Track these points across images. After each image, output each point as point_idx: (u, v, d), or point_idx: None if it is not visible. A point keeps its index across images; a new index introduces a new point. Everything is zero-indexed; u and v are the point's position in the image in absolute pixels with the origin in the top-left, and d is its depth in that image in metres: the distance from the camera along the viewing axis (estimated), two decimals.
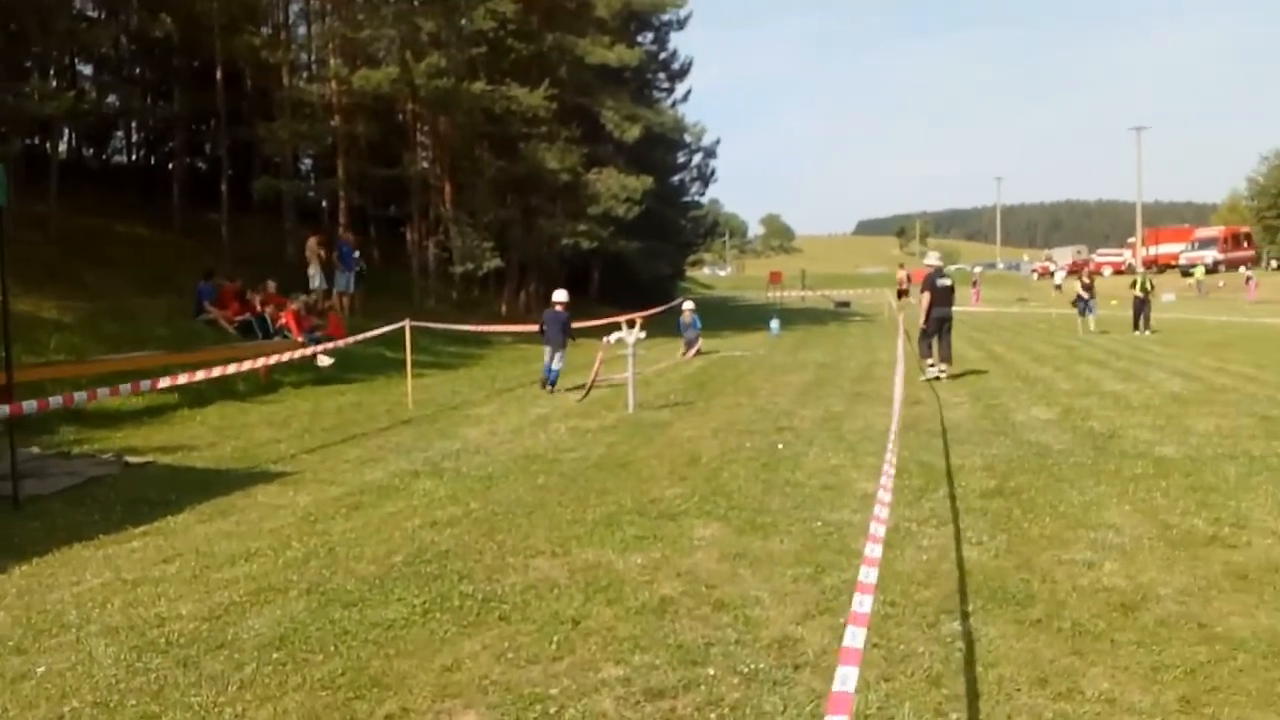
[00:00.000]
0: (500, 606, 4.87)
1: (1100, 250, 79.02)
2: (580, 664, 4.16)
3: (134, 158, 31.15)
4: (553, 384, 14.24)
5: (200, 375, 9.62)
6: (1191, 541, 5.78)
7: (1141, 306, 24.36)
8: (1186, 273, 49.69)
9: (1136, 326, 24.23)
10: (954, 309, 15.33)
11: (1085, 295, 25.49)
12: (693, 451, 9.01)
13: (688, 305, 21.74)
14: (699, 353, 20.32)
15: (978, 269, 62.57)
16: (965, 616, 4.63)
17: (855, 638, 2.56)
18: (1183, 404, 11.46)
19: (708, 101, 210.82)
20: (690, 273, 77.28)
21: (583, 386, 13.47)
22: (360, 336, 13.51)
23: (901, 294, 39.60)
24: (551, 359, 14.43)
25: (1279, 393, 12.16)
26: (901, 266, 45.53)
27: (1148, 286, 25.15)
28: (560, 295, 14.94)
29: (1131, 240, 66.55)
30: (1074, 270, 68.18)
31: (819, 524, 6.31)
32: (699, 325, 21.23)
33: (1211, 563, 5.37)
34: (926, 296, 14.93)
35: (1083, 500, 6.83)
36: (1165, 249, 59.01)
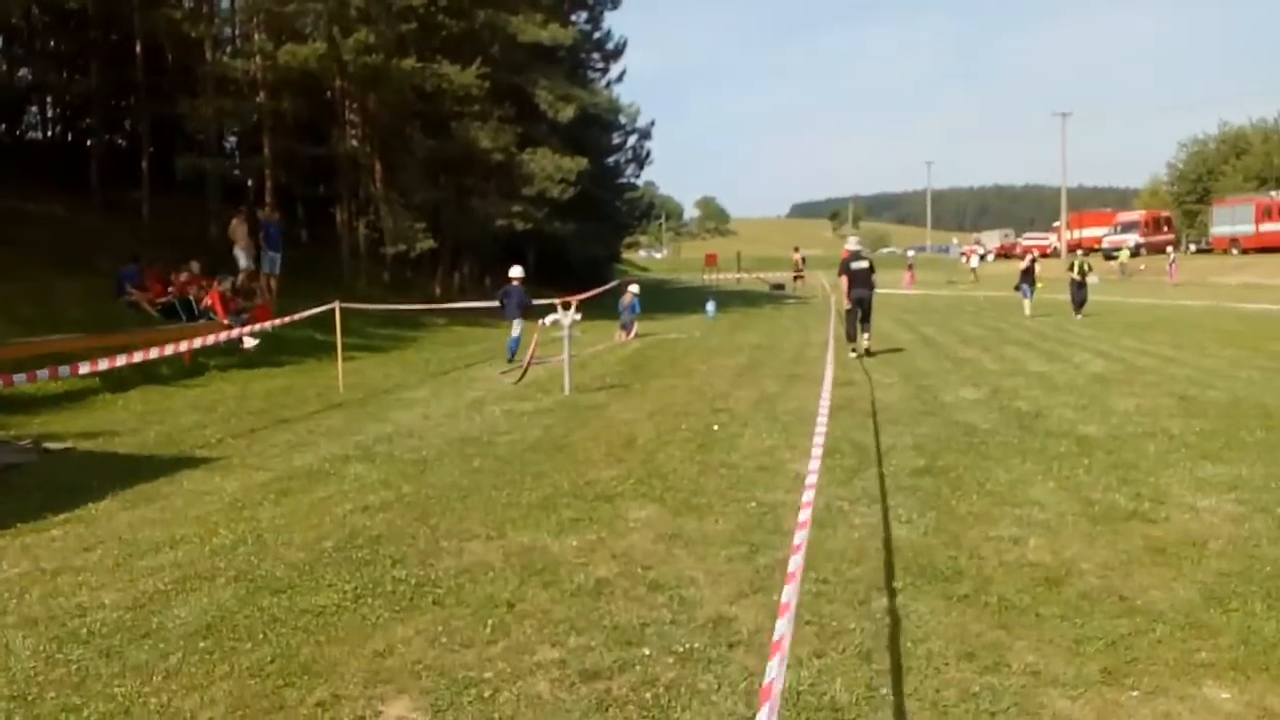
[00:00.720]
0: (434, 591, 4.82)
1: (1027, 234, 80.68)
2: (515, 647, 4.14)
3: (49, 134, 30.03)
4: (513, 354, 15.26)
5: (121, 360, 9.34)
6: (1113, 517, 5.94)
7: (1079, 290, 23.92)
8: (1110, 256, 50.89)
9: (1078, 310, 23.72)
10: (891, 291, 15.87)
11: (1025, 278, 24.77)
12: (629, 434, 9.01)
13: (633, 288, 21.68)
14: (636, 335, 20.33)
15: (911, 253, 63.25)
16: (894, 593, 4.71)
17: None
18: (1105, 384, 11.78)
19: (642, 84, 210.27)
20: (626, 255, 77.22)
21: (519, 368, 13.39)
22: (289, 318, 13.23)
23: (797, 277, 40.90)
24: (514, 331, 15.59)
25: (1197, 373, 12.56)
26: (796, 250, 48.20)
27: (1085, 270, 24.58)
28: (516, 271, 16.19)
29: (1057, 224, 68.06)
30: (1003, 252, 69.76)
31: (753, 504, 6.36)
32: (637, 309, 21.19)
33: (1132, 537, 5.53)
34: (844, 280, 15.73)
35: (1009, 478, 6.98)
36: (1089, 233, 60.41)
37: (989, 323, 22.73)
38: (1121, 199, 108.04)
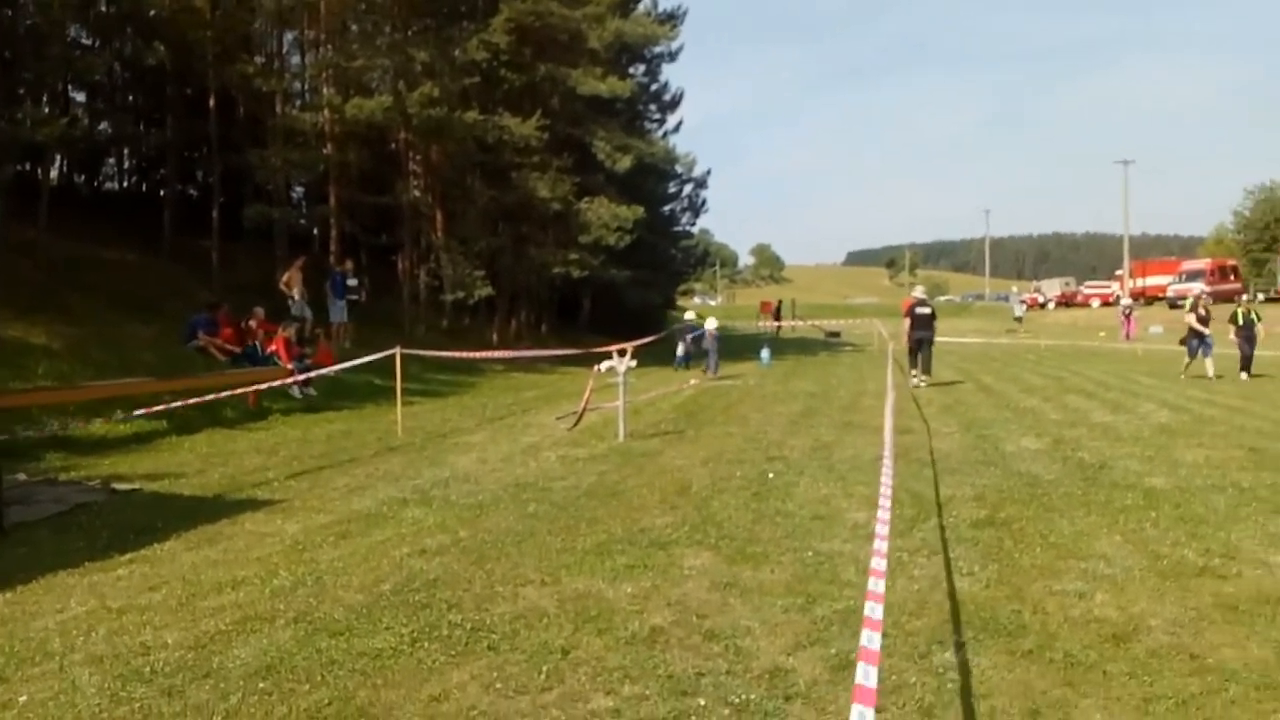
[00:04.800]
0: (489, 636, 4.83)
1: (1088, 282, 79.43)
2: (569, 694, 4.12)
3: (125, 184, 31.12)
4: (686, 364, 23.53)
5: (193, 401, 9.58)
6: (1182, 572, 5.77)
7: (1247, 344, 19.69)
8: (1175, 305, 49.81)
9: (1245, 368, 19.61)
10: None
11: (1201, 329, 19.76)
12: (683, 480, 8.98)
13: (710, 323, 23.87)
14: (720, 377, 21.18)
15: (1126, 301, 58.61)
16: (958, 647, 4.61)
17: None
18: (1171, 435, 11.50)
19: (699, 132, 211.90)
20: (681, 302, 77.49)
21: (574, 414, 13.44)
22: (350, 363, 13.48)
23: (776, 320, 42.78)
24: (682, 350, 24.25)
25: (1266, 424, 12.22)
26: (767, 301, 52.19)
27: (1254, 318, 19.99)
28: (689, 315, 24.89)
29: (1119, 272, 66.99)
30: (1064, 300, 68.47)
31: (810, 554, 6.28)
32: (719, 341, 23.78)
33: (1202, 594, 5.36)
34: (908, 321, 18.58)
35: (1073, 531, 6.83)
36: (1153, 281, 59.33)
37: (1050, 371, 22.36)
38: (1185, 247, 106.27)
